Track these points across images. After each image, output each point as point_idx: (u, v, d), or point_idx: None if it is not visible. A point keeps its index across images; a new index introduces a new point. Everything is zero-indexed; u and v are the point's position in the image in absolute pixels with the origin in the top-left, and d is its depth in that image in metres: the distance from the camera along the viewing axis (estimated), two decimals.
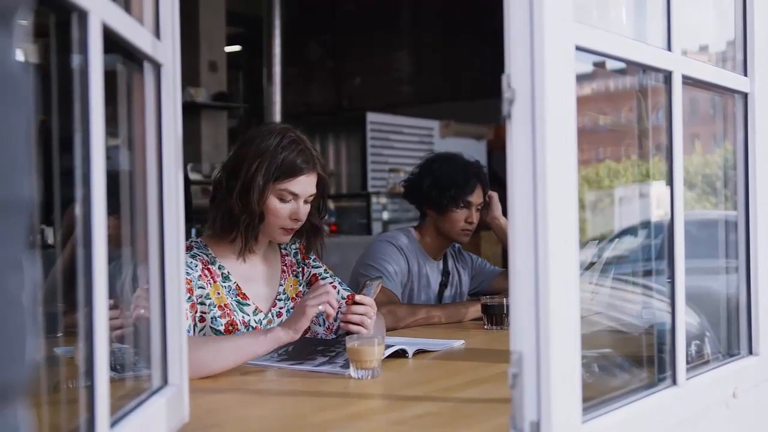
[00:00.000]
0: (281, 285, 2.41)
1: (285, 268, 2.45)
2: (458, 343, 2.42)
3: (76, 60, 1.05)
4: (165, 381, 1.41)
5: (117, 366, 1.39)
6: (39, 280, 0.62)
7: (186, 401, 1.46)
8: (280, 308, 2.38)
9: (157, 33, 1.39)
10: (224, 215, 2.26)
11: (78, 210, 1.04)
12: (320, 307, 2.04)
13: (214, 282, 2.25)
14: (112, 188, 1.14)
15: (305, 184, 2.27)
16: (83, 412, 1.05)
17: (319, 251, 2.47)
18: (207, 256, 2.28)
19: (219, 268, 2.28)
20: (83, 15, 1.02)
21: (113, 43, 1.15)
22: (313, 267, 2.50)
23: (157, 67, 1.39)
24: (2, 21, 0.55)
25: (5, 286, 0.56)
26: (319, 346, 2.20)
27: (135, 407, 1.26)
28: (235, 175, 2.25)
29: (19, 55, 0.58)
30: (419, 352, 2.24)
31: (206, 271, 2.23)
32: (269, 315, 2.35)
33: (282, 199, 2.25)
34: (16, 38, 0.57)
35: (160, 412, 1.33)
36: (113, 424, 1.13)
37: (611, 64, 1.59)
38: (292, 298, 2.42)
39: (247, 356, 2.02)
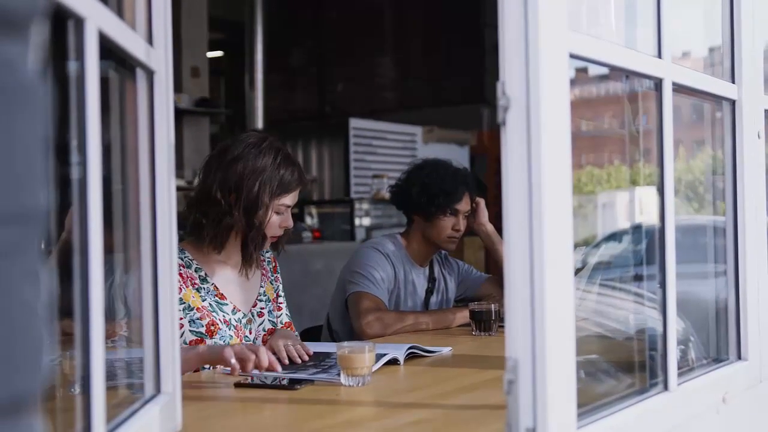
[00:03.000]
0: (262, 287, 2.50)
1: (264, 271, 2.53)
2: (446, 350, 2.42)
3: (71, 66, 1.04)
4: (158, 389, 1.40)
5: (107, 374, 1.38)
6: (54, 290, 0.62)
7: (179, 410, 1.45)
8: (261, 308, 2.47)
9: (150, 40, 1.38)
10: (225, 231, 2.32)
11: (75, 217, 1.03)
12: (233, 361, 1.96)
13: (187, 286, 2.30)
14: (104, 195, 1.13)
15: (296, 195, 2.41)
16: (79, 421, 1.04)
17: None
18: (182, 259, 2.30)
19: (196, 271, 2.34)
20: (80, 22, 1.02)
21: (106, 49, 1.14)
22: (279, 283, 2.60)
23: (150, 74, 1.38)
24: (17, 31, 0.55)
25: (23, 296, 0.56)
26: (310, 361, 2.19)
27: (129, 416, 1.25)
28: (230, 191, 2.30)
29: (34, 65, 0.58)
30: (411, 357, 2.24)
31: (179, 276, 2.25)
32: (249, 315, 2.42)
33: (278, 213, 2.36)
34: (31, 48, 0.57)
35: (153, 421, 1.32)
36: None
37: (593, 70, 1.60)
38: (272, 300, 2.52)
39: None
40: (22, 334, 0.56)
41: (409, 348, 2.25)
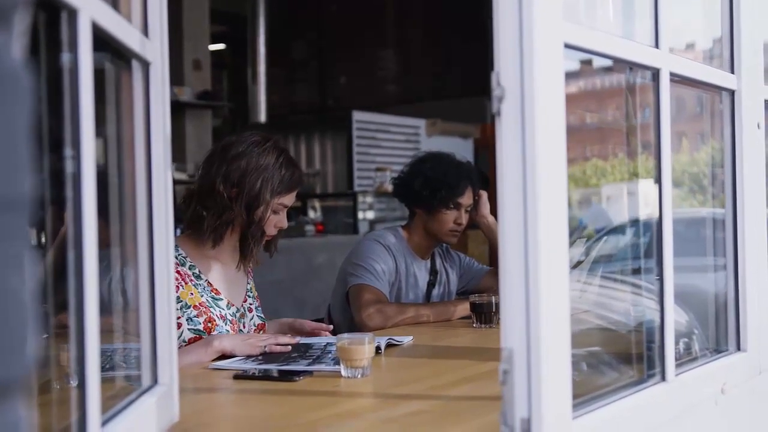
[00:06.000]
0: (248, 284, 2.55)
1: (249, 270, 2.57)
2: (407, 339, 2.45)
3: (65, 58, 1.04)
4: (155, 380, 1.40)
5: (105, 366, 1.39)
6: (40, 278, 0.62)
7: (176, 400, 1.46)
8: (250, 304, 2.52)
9: (145, 31, 1.38)
10: (225, 225, 2.35)
11: (68, 211, 1.03)
12: (266, 348, 2.19)
13: (186, 284, 2.33)
14: (100, 188, 1.13)
15: (294, 196, 2.45)
16: (74, 412, 1.05)
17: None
18: (176, 257, 2.31)
19: (189, 268, 2.37)
20: (73, 13, 1.02)
21: (101, 41, 1.14)
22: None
23: (145, 65, 1.38)
24: (1, 20, 0.55)
25: (8, 283, 0.56)
26: (293, 353, 2.19)
27: (125, 406, 1.26)
28: (233, 186, 2.33)
29: (19, 53, 0.58)
30: (389, 346, 2.29)
31: (176, 274, 2.27)
32: (241, 309, 2.47)
33: (275, 212, 2.39)
34: (15, 37, 0.57)
35: (150, 412, 1.32)
36: (104, 423, 1.12)
37: (598, 62, 1.60)
38: (256, 297, 2.57)
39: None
40: (6, 320, 0.56)
41: (387, 342, 2.30)
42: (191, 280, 2.34)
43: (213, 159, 2.38)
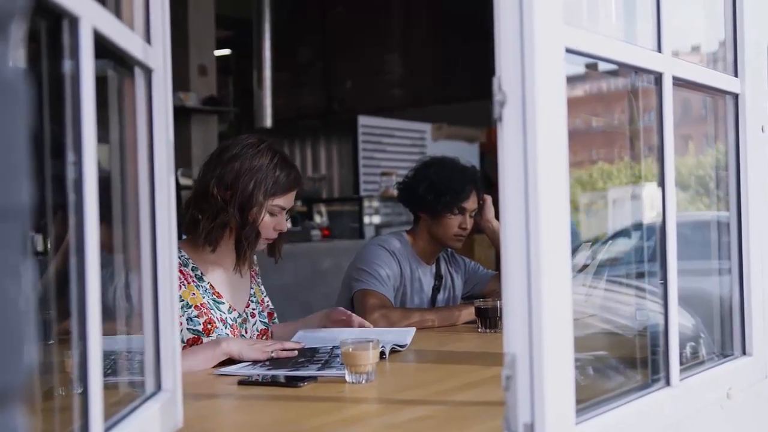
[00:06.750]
0: (252, 289, 2.53)
1: (253, 274, 2.57)
2: (411, 332, 2.47)
3: (67, 65, 1.05)
4: (159, 386, 1.40)
5: (108, 371, 1.39)
6: (36, 286, 0.63)
7: (180, 407, 1.46)
8: (253, 309, 2.51)
9: (147, 38, 1.38)
10: (220, 227, 2.35)
11: (70, 217, 1.04)
12: (273, 354, 2.20)
13: (188, 284, 2.33)
14: (103, 194, 1.13)
15: (292, 199, 2.43)
16: (77, 419, 1.05)
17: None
18: (179, 258, 2.32)
19: (192, 270, 2.37)
20: (74, 21, 1.02)
21: (104, 48, 1.15)
22: (262, 286, 2.63)
23: (148, 72, 1.38)
24: None
25: (4, 291, 0.56)
26: (300, 358, 2.19)
27: (129, 413, 1.26)
28: (227, 188, 2.33)
29: (16, 62, 0.58)
30: (393, 352, 2.29)
31: (178, 274, 2.27)
32: (243, 314, 2.46)
33: (272, 214, 2.39)
34: (12, 45, 0.57)
35: (154, 418, 1.32)
36: (107, 429, 1.12)
37: (603, 66, 1.60)
38: (260, 301, 2.55)
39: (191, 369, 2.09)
40: (4, 328, 0.56)
41: (392, 348, 2.29)
42: (193, 281, 2.35)
43: (209, 163, 2.40)
